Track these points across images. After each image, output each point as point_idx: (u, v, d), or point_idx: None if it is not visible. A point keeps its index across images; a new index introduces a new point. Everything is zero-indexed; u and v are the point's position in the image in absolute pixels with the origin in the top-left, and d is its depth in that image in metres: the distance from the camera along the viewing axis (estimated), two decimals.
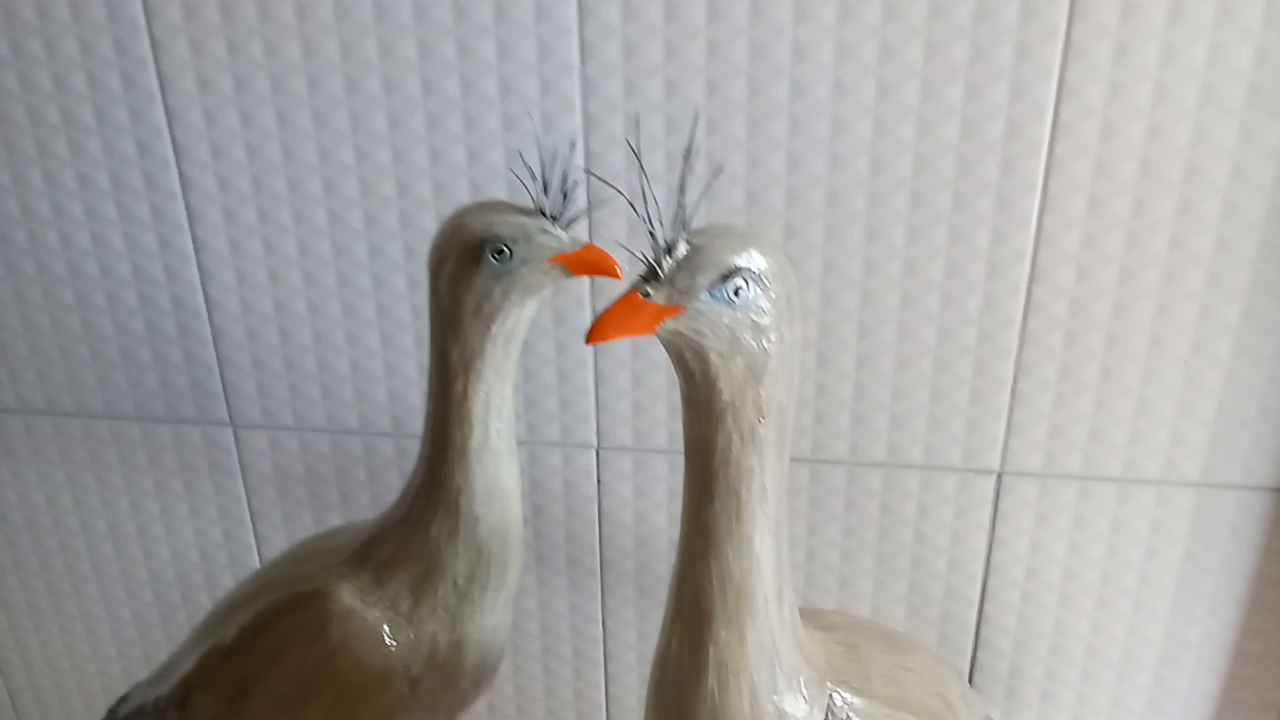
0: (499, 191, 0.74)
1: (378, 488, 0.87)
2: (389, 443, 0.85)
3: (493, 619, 0.61)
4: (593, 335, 0.38)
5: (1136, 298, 0.71)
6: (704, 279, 0.39)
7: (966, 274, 0.72)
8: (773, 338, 0.41)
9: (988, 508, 0.80)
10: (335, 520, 0.90)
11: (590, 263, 0.53)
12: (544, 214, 0.53)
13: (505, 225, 0.52)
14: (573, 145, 0.57)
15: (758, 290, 0.40)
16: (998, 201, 0.69)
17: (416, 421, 0.84)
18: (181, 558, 0.94)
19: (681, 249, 0.39)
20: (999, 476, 0.79)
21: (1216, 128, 0.66)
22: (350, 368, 0.83)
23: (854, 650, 0.55)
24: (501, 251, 0.52)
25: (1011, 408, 0.76)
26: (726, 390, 0.41)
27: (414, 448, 0.85)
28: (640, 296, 0.39)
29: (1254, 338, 0.71)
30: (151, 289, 0.83)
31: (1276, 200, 0.67)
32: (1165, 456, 0.76)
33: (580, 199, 0.52)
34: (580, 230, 0.53)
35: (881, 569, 0.84)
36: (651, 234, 0.39)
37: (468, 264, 0.53)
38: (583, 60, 0.70)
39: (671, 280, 0.39)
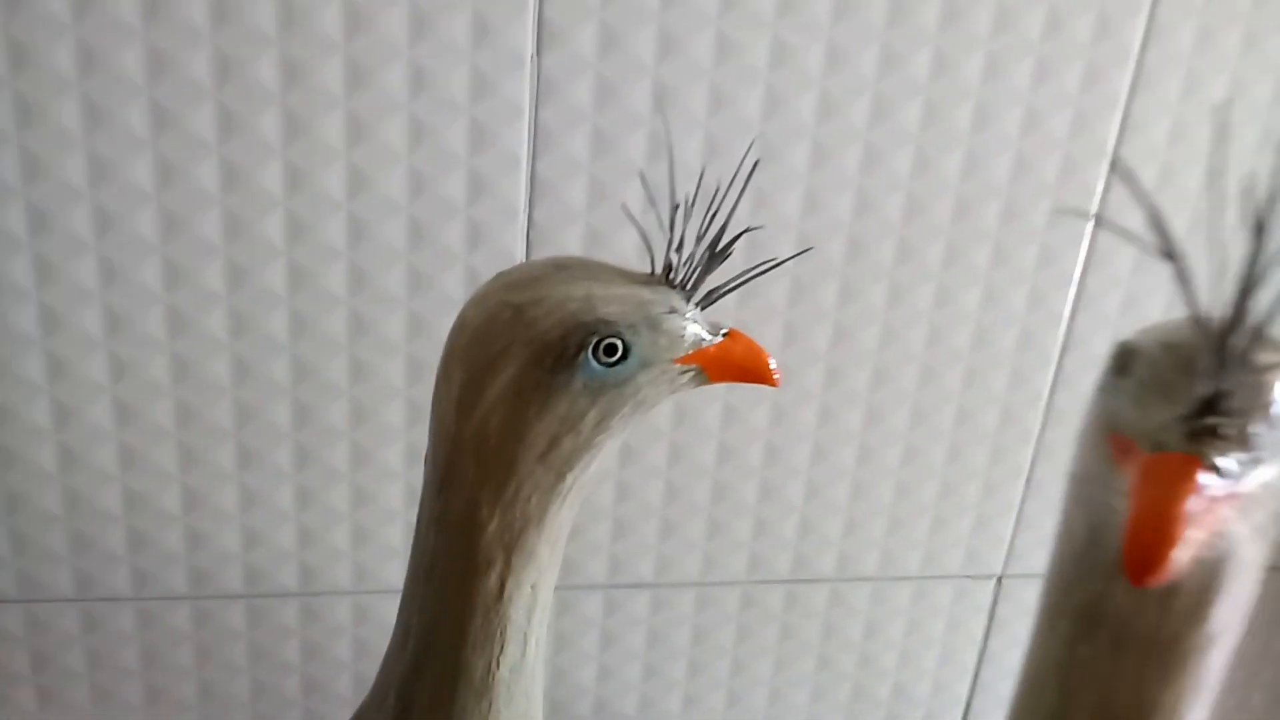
0: (430, 263, 0.50)
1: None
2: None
3: None
4: (1146, 575, 0.18)
5: None
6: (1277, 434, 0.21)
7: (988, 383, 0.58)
8: None
9: (982, 617, 0.67)
10: None
11: (739, 362, 0.32)
12: (672, 282, 0.31)
13: (617, 304, 0.30)
14: (755, 165, 0.35)
15: None
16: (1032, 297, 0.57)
17: (172, 577, 0.55)
18: None
19: (1232, 387, 0.20)
20: (999, 580, 0.66)
21: None
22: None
23: None
24: (614, 349, 0.30)
25: (1023, 502, 0.64)
26: (1233, 580, 0.23)
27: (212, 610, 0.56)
28: (1198, 474, 0.19)
29: None
30: None
31: None
32: None
33: (729, 256, 0.31)
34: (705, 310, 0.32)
35: (858, 704, 0.67)
36: (1215, 357, 0.19)
37: (545, 374, 0.30)
38: (538, 53, 0.48)
39: (1242, 440, 0.20)
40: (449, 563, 0.32)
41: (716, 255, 0.30)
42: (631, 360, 0.30)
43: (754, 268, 0.31)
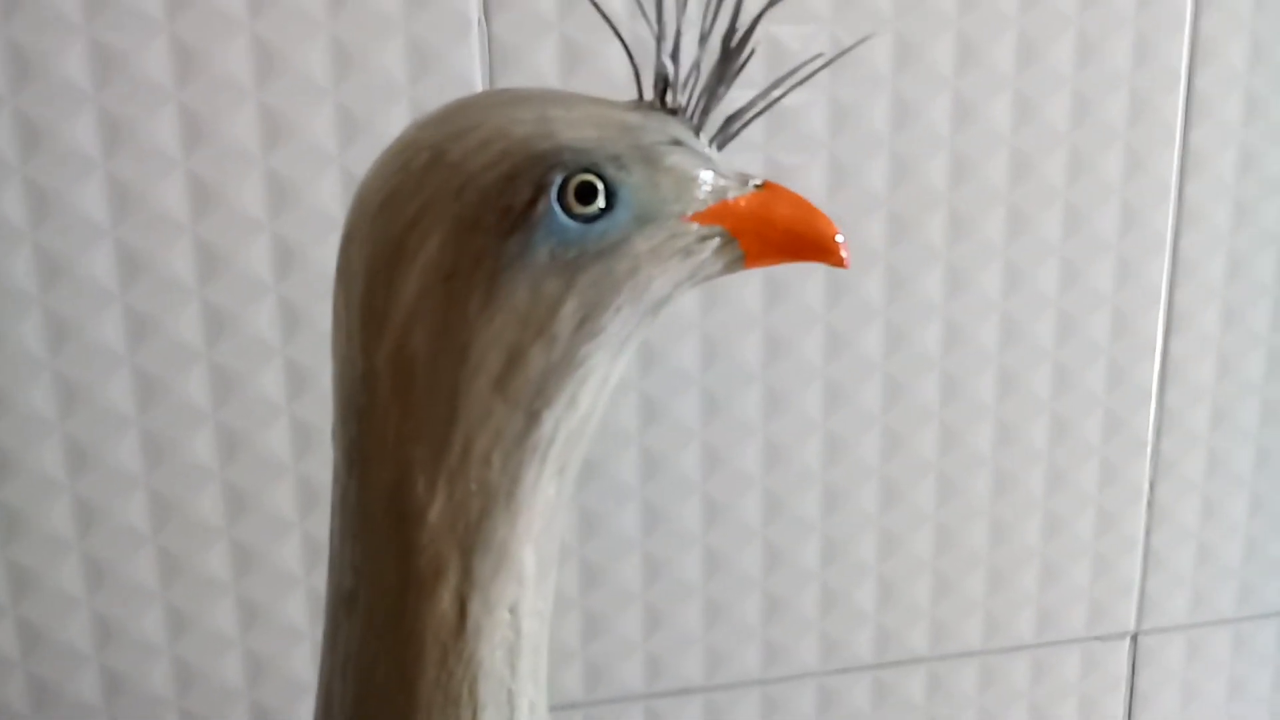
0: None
1: None
2: None
3: None
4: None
5: None
6: None
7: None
8: None
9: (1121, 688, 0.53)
10: None
11: (786, 225, 0.21)
12: (672, 108, 0.21)
13: (591, 126, 0.20)
14: None
15: None
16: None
17: None
18: None
19: None
20: (1134, 638, 0.53)
21: None
22: None
23: None
24: (590, 192, 0.19)
25: (1148, 533, 0.51)
26: None
27: None
28: None
29: None
30: None
31: None
32: None
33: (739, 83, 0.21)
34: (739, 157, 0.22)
35: None
36: None
37: (487, 240, 0.19)
38: None
39: None
40: (375, 583, 0.21)
41: (731, 55, 0.20)
42: (621, 211, 0.19)
43: (782, 78, 0.21)
